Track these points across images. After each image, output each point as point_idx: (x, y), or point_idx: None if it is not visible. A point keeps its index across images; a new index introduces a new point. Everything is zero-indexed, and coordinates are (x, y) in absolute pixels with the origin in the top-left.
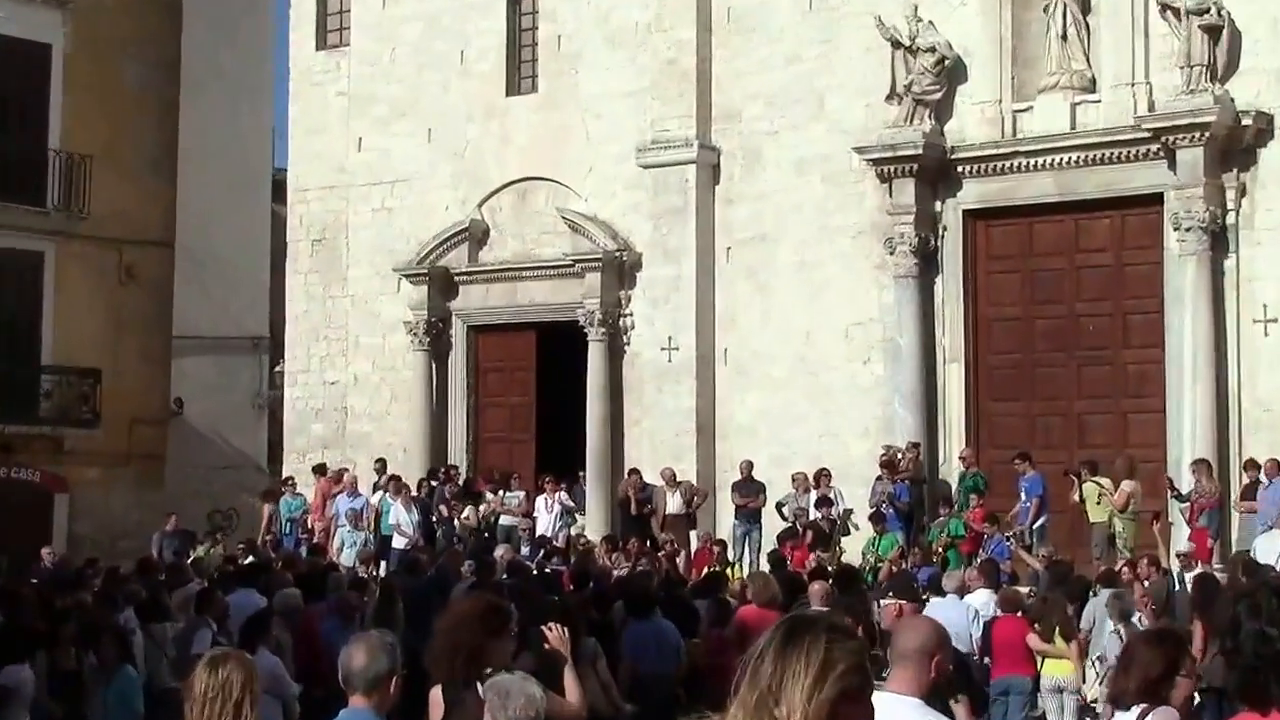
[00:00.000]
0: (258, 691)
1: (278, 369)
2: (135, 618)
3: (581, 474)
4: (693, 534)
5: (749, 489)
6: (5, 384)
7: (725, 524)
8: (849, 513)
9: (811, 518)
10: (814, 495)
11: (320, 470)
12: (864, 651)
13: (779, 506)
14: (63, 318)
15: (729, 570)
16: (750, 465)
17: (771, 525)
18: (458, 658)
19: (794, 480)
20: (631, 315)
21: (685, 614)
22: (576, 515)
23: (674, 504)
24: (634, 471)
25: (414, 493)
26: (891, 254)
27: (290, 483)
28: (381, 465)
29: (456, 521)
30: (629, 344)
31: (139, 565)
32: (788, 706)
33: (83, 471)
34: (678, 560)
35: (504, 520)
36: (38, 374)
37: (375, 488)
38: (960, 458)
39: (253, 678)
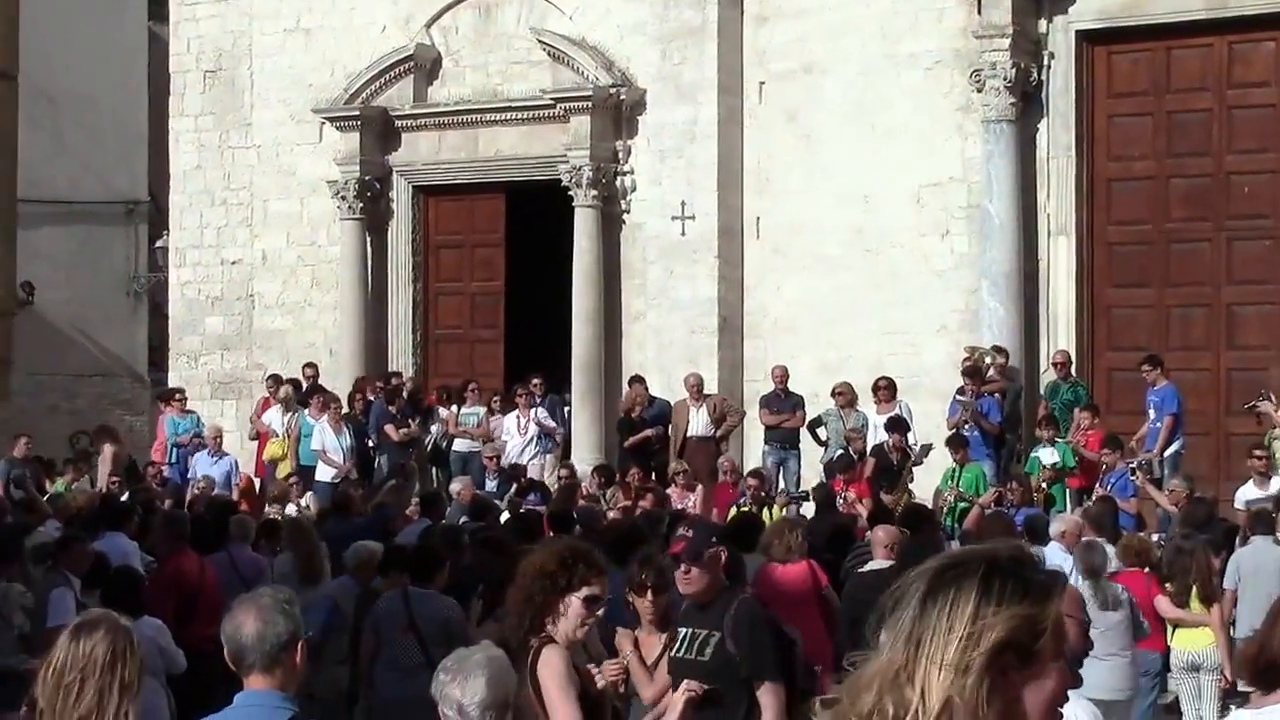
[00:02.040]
0: (134, 669)
1: (160, 244)
2: None
3: (566, 386)
4: (721, 463)
5: (782, 403)
6: None
7: (755, 450)
8: (927, 448)
9: (879, 442)
10: (868, 414)
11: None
12: (1046, 601)
13: (813, 427)
14: None
15: (766, 511)
16: (785, 372)
17: (813, 453)
18: (527, 615)
19: (835, 393)
20: (632, 173)
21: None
22: (557, 438)
23: (699, 423)
24: (638, 379)
25: (344, 409)
26: (979, 91)
27: (179, 396)
28: (314, 373)
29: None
30: (628, 211)
31: None
32: (923, 684)
33: None
34: (695, 496)
35: (460, 445)
36: None
37: (295, 403)
38: (1054, 363)
39: (130, 650)
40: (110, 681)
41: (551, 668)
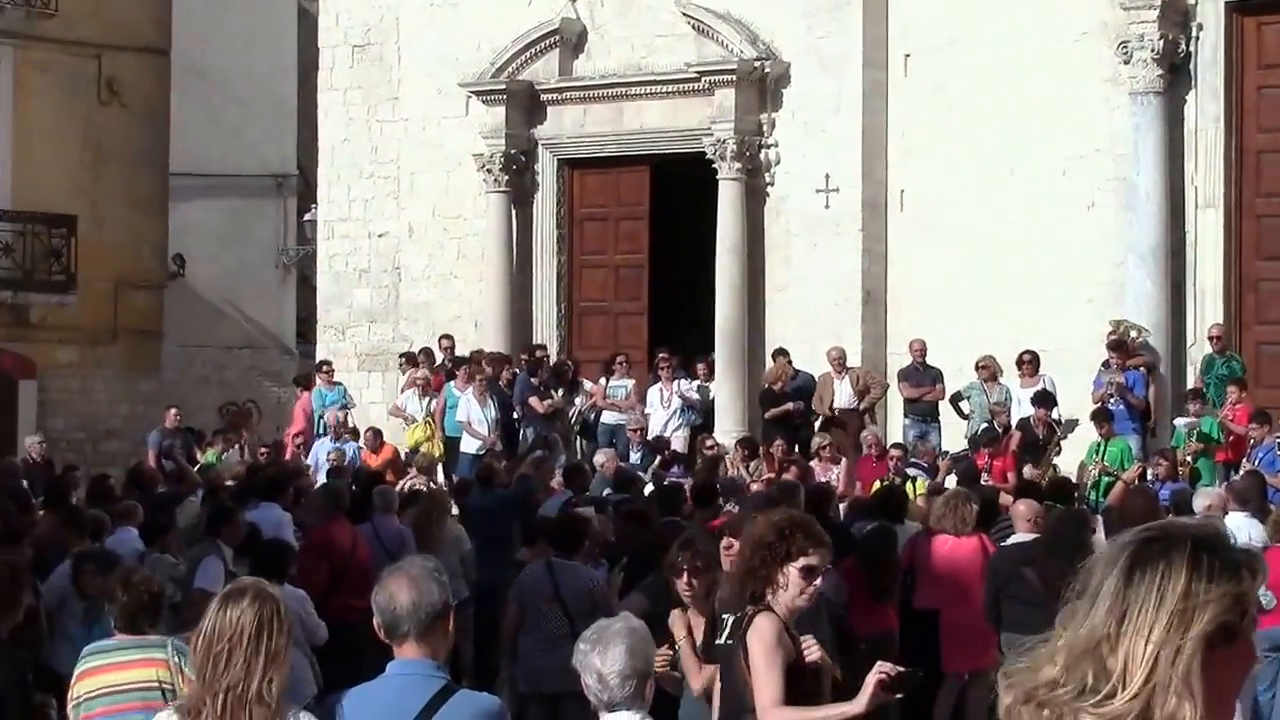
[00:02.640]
0: (280, 638)
1: (308, 217)
2: (138, 541)
3: (709, 357)
4: (864, 436)
5: (921, 376)
6: None
7: (896, 424)
8: (1072, 424)
9: (1024, 416)
10: (1011, 387)
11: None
12: (1251, 578)
13: (955, 401)
14: (24, 148)
15: (911, 485)
16: (924, 345)
17: (954, 426)
18: (748, 586)
19: (978, 367)
20: (776, 146)
21: (837, 542)
22: (701, 411)
23: (843, 396)
24: (781, 352)
25: (489, 381)
26: (1127, 63)
27: (326, 368)
28: (450, 345)
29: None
30: (772, 184)
31: (131, 473)
32: (1127, 655)
33: (54, 351)
34: (839, 469)
35: (607, 418)
36: None
37: (439, 373)
38: (1210, 336)
39: (276, 619)
40: (256, 650)
41: (760, 636)
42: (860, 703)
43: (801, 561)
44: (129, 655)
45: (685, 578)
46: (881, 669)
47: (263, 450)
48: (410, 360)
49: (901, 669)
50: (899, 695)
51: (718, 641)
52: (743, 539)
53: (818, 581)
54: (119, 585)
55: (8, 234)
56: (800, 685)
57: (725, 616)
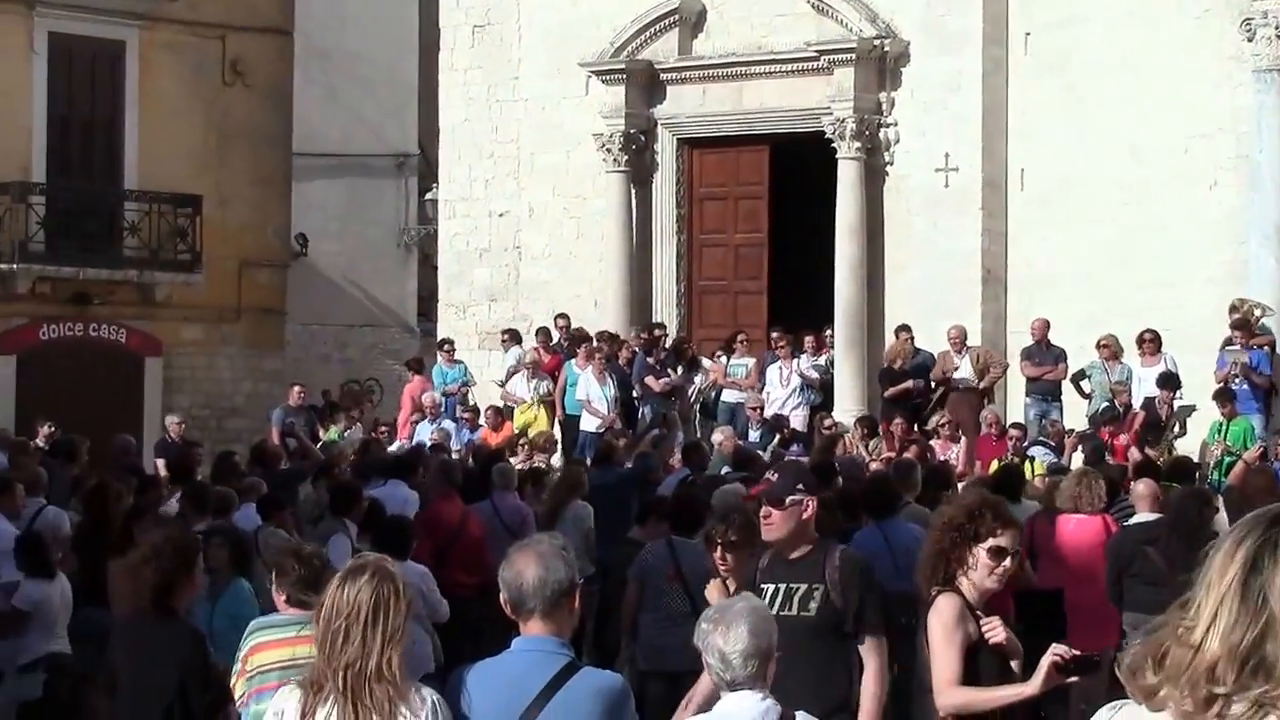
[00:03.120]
0: (398, 616)
1: (429, 196)
2: (256, 516)
3: (828, 335)
4: (984, 415)
5: (1044, 355)
6: (81, 215)
7: (1016, 402)
8: (1189, 409)
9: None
10: (1132, 366)
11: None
12: None
13: (1077, 380)
14: (150, 128)
15: (1029, 464)
16: (1046, 324)
17: (1075, 406)
18: (940, 567)
19: (1099, 345)
20: (895, 125)
21: None
22: (820, 389)
23: (962, 374)
24: (904, 328)
25: (608, 359)
26: (1250, 40)
27: (448, 346)
28: (566, 323)
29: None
30: (892, 163)
31: (255, 450)
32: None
33: (180, 329)
34: (959, 448)
35: (727, 396)
36: (119, 202)
37: (555, 353)
38: None
39: (395, 597)
40: (373, 628)
41: (940, 615)
42: (1034, 685)
43: (990, 542)
44: (306, 630)
45: (720, 551)
46: (1057, 651)
47: (381, 429)
48: (513, 337)
49: (1077, 653)
50: (1073, 679)
51: None
52: (933, 520)
53: (1006, 563)
54: (292, 557)
55: (134, 214)
56: (983, 666)
57: (765, 587)
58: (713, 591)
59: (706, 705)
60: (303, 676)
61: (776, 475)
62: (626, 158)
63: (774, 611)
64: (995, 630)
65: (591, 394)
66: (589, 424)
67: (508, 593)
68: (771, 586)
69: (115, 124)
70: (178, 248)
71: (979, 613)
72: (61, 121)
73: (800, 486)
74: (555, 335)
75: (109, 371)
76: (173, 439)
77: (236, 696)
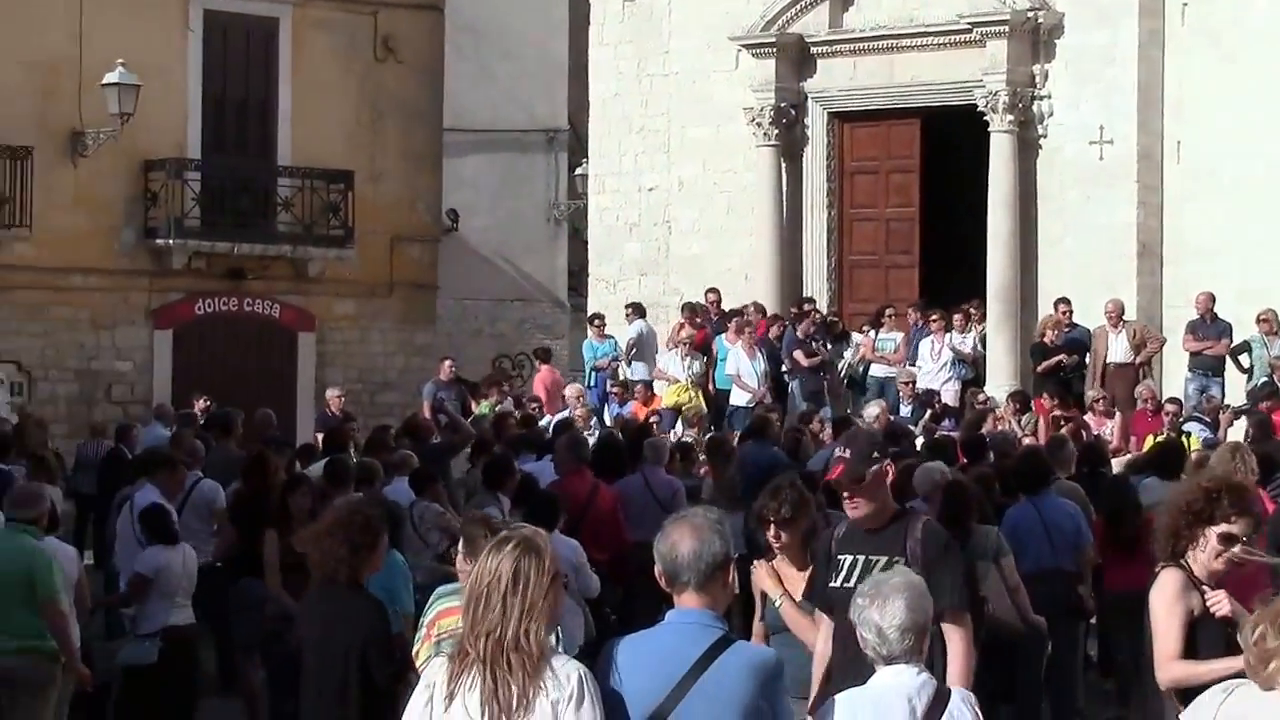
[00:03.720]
0: (539, 589)
1: (580, 171)
2: (409, 490)
3: (981, 309)
4: (1139, 391)
5: (1208, 329)
6: (235, 191)
7: (1175, 377)
8: None
9: None
10: None
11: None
12: None
13: (1236, 354)
14: (303, 105)
15: (1186, 439)
16: (1210, 298)
17: (1237, 381)
18: (1170, 545)
19: (1259, 320)
20: (1049, 97)
21: (1111, 498)
22: (972, 364)
23: (1118, 350)
24: (1064, 300)
25: (759, 334)
26: None
27: (598, 321)
28: (716, 298)
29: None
30: (1045, 136)
31: (407, 424)
32: None
33: (332, 304)
34: (1113, 424)
35: (877, 370)
36: (273, 178)
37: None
38: None
39: (536, 569)
40: (512, 598)
41: (1161, 591)
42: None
43: (1222, 527)
44: None
45: (774, 529)
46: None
47: (532, 404)
48: (637, 310)
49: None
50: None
51: (833, 585)
52: (1170, 499)
53: (1236, 549)
54: (483, 526)
55: (288, 189)
56: (1206, 638)
57: (842, 558)
58: (765, 580)
59: (825, 682)
60: (450, 650)
61: (848, 450)
62: (777, 132)
63: (841, 583)
64: (1220, 603)
65: (741, 369)
66: (739, 398)
67: (662, 565)
68: (849, 558)
69: (269, 101)
70: (330, 223)
71: (1204, 586)
72: (216, 99)
73: (875, 455)
74: (707, 309)
75: (263, 346)
76: (333, 412)
77: (421, 660)
